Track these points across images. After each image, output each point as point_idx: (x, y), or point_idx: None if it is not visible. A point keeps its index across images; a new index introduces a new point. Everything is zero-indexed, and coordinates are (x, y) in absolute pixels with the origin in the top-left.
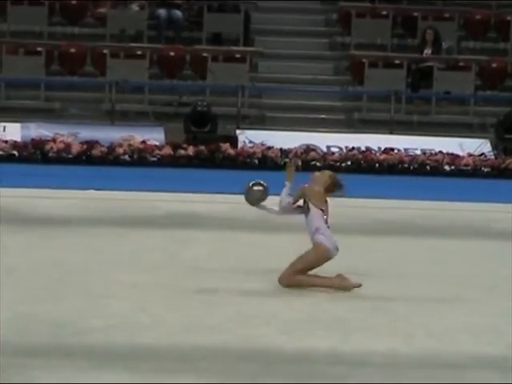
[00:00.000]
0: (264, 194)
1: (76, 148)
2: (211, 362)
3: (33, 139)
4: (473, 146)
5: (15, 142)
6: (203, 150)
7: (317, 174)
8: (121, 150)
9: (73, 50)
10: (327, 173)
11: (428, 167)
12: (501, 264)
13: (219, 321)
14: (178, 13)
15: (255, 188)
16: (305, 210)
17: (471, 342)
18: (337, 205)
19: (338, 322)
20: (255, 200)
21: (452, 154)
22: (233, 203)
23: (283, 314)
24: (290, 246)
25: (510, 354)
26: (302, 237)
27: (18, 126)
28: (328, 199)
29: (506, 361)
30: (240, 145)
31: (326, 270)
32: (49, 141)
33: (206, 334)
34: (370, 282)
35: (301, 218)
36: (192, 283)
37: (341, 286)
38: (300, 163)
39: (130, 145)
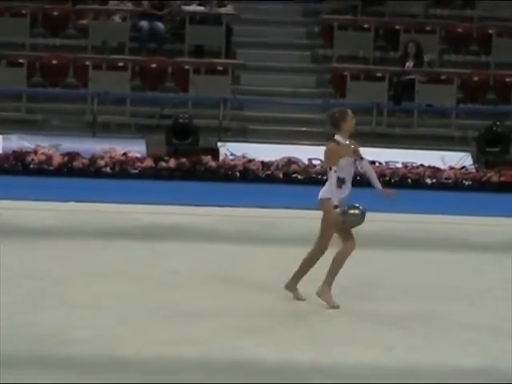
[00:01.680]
0: (360, 218)
1: (57, 160)
2: (192, 374)
3: (14, 151)
4: (454, 159)
5: None
6: (185, 162)
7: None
8: (102, 162)
9: (55, 62)
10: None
11: (409, 180)
12: (480, 276)
13: (200, 333)
14: (159, 25)
15: (351, 212)
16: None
17: (452, 354)
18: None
19: (320, 335)
20: (351, 224)
21: (433, 167)
22: (214, 215)
23: (265, 326)
24: (273, 258)
25: (490, 367)
26: (286, 249)
27: None
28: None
29: (488, 373)
30: (221, 157)
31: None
32: (30, 152)
33: (186, 346)
34: (351, 294)
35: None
36: (173, 295)
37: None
38: None
39: (111, 157)
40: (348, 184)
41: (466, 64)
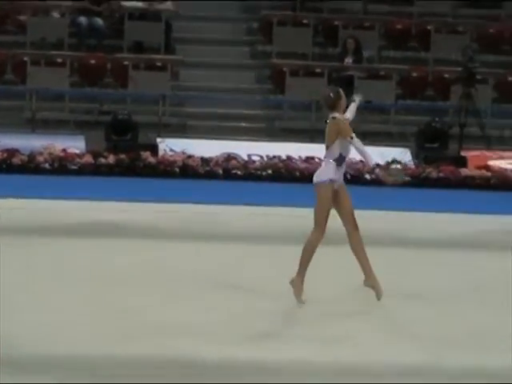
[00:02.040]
0: (402, 172)
1: None
2: (129, 371)
3: None
4: (393, 155)
5: None
6: (124, 158)
7: None
8: (41, 159)
9: None
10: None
11: (349, 176)
12: (418, 272)
13: (138, 330)
14: (99, 21)
15: (393, 166)
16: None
17: (394, 351)
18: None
19: (258, 331)
20: (394, 177)
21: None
22: (154, 212)
23: (203, 324)
24: (213, 255)
25: (437, 362)
26: (226, 246)
27: None
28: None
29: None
30: (161, 153)
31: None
32: None
33: (123, 343)
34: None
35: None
36: (113, 292)
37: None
38: None
39: (50, 153)
40: (344, 165)
41: (405, 60)
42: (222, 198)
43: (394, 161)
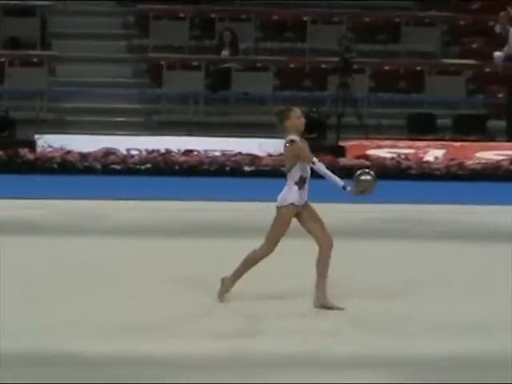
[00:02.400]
0: (372, 183)
1: None
2: (18, 368)
3: None
4: (272, 146)
5: None
6: (1, 155)
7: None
8: None
9: None
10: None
11: (228, 168)
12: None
13: (25, 325)
14: None
15: (362, 178)
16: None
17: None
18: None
19: (149, 325)
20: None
21: (252, 155)
22: (34, 208)
23: (90, 318)
24: (96, 250)
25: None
26: (109, 240)
27: None
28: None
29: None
30: (39, 149)
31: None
32: None
33: (10, 339)
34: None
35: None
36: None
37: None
38: None
39: None
40: (306, 186)
41: (282, 51)
42: (102, 193)
43: (363, 172)
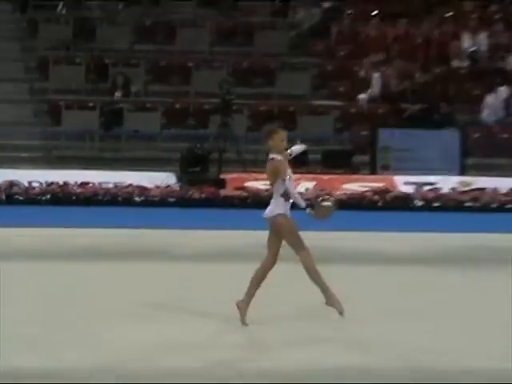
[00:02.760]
0: (332, 209)
1: None
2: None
3: None
4: (160, 179)
5: None
6: None
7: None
8: None
9: None
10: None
11: (120, 198)
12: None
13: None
14: None
15: (323, 204)
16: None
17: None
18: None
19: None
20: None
21: (142, 187)
22: None
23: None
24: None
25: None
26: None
27: None
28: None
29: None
30: None
31: None
32: None
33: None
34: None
35: None
36: None
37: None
38: None
39: None
40: (290, 200)
41: (169, 93)
42: (5, 221)
43: (324, 199)
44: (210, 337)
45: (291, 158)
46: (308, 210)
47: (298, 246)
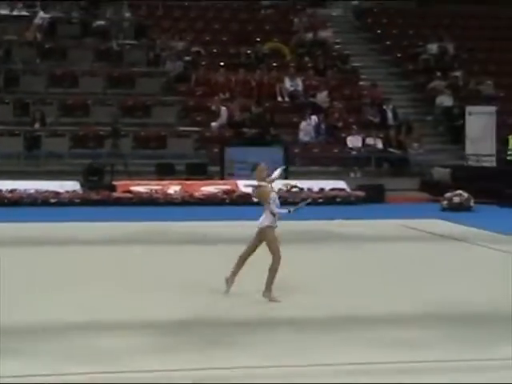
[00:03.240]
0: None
1: None
2: None
3: None
4: (68, 186)
5: None
6: None
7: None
8: None
9: None
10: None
11: (39, 200)
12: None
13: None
14: None
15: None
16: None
17: None
18: None
19: None
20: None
21: (55, 191)
22: None
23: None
24: None
25: None
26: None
27: None
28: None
29: None
30: None
31: None
32: None
33: None
34: None
35: None
36: None
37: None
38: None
39: None
40: (277, 216)
41: (75, 124)
42: None
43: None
44: None
45: (273, 181)
46: (291, 210)
47: (275, 251)
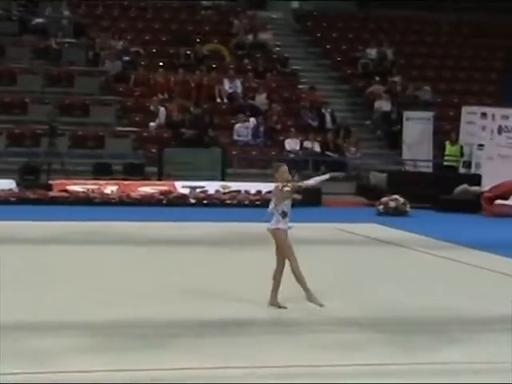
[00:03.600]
0: None
1: None
2: None
3: None
4: (4, 184)
5: None
6: None
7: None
8: None
9: None
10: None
11: None
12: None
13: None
14: None
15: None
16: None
17: None
18: None
19: None
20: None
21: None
22: None
23: None
24: None
25: None
26: None
27: None
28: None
29: None
30: None
31: None
32: None
33: None
34: None
35: None
36: None
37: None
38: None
39: None
40: (287, 218)
41: (10, 122)
42: None
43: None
44: None
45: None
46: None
47: (289, 253)
